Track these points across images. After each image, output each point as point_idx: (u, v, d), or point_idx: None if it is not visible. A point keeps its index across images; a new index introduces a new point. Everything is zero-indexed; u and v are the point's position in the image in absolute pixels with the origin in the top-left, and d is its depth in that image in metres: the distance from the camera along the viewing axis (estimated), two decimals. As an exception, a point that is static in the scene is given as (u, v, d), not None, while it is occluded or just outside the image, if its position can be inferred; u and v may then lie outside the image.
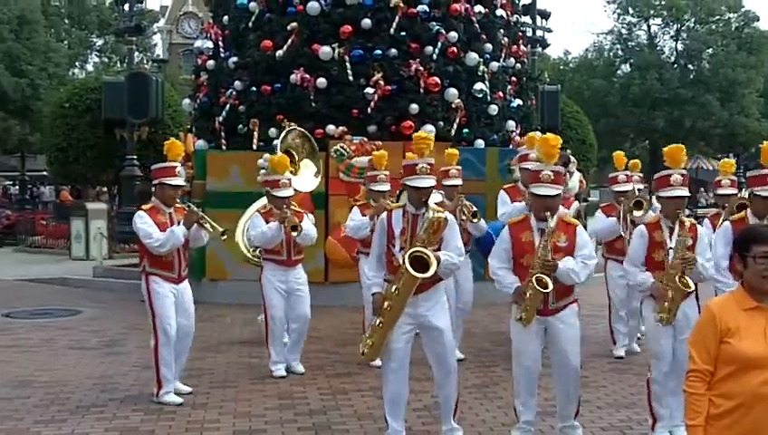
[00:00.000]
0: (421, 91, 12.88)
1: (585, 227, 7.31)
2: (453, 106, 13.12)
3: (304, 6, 13.04)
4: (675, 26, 44.33)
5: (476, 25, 13.67)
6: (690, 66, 43.87)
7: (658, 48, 44.90)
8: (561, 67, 48.01)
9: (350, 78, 12.80)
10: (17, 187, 40.95)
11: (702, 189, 38.44)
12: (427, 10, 13.13)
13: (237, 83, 13.43)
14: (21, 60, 33.81)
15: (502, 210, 8.44)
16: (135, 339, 9.78)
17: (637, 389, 7.14)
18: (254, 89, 13.21)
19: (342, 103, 12.75)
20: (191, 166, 12.44)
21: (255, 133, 12.87)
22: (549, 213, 5.60)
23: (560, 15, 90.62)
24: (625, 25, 45.15)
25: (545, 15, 24.39)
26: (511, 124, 14.14)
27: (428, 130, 11.37)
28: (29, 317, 11.76)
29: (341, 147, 12.23)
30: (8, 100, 33.34)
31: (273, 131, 12.64)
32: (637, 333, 9.29)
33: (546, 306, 5.66)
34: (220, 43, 14.14)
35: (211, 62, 14.20)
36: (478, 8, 13.76)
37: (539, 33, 24.23)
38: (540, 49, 25.34)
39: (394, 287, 5.66)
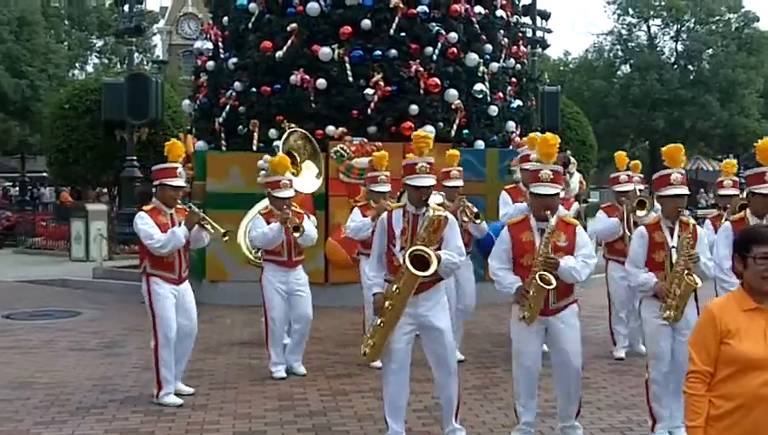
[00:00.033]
0: (421, 91, 12.89)
1: (585, 228, 7.31)
2: (453, 107, 13.12)
3: (304, 7, 13.05)
4: (675, 27, 44.34)
5: (476, 26, 13.67)
6: (690, 67, 43.88)
7: (658, 49, 44.91)
8: (561, 68, 48.01)
9: (350, 79, 12.80)
10: (17, 188, 41.02)
11: (702, 190, 38.47)
12: (427, 11, 13.14)
13: (237, 84, 13.43)
14: (21, 61, 33.85)
15: (504, 211, 8.44)
16: (135, 340, 9.78)
17: (637, 390, 7.13)
18: (253, 90, 13.22)
19: (342, 104, 12.75)
20: (191, 167, 12.44)
21: (255, 134, 12.87)
22: (549, 212, 5.61)
23: (560, 16, 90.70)
24: (625, 26, 45.16)
25: (545, 16, 24.41)
26: (511, 125, 14.15)
27: (428, 131, 11.35)
28: (29, 319, 11.76)
29: (341, 148, 12.23)
30: (8, 101, 33.37)
31: (272, 132, 12.66)
32: (640, 335, 9.27)
33: (547, 306, 5.66)
34: (220, 43, 14.15)
35: (211, 63, 14.21)
36: (478, 9, 13.76)
37: (539, 33, 24.25)
38: (540, 50, 25.36)
39: (395, 286, 5.66)
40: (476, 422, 6.54)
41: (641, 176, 9.70)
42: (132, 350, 9.37)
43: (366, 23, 12.90)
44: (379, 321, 5.75)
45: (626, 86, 42.65)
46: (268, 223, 7.96)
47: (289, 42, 13.04)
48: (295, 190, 8.36)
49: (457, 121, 13.13)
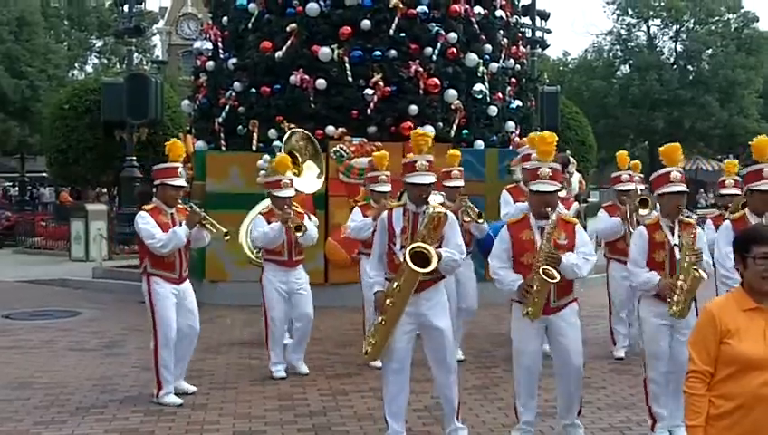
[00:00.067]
0: (421, 92, 12.89)
1: (585, 227, 7.31)
2: (452, 107, 13.13)
3: (304, 7, 13.05)
4: (674, 27, 44.36)
5: (476, 26, 13.68)
6: (689, 67, 43.90)
7: (658, 49, 44.93)
8: (561, 68, 48.01)
9: (350, 79, 12.81)
10: (17, 188, 41.01)
11: (701, 190, 38.48)
12: (427, 11, 13.14)
13: (237, 84, 13.43)
14: (20, 61, 33.86)
15: (505, 210, 8.44)
16: (135, 340, 9.79)
17: (636, 390, 7.14)
18: (253, 90, 13.22)
19: (342, 104, 12.76)
20: (191, 167, 12.44)
21: (255, 134, 12.88)
22: (549, 208, 5.62)
23: (559, 16, 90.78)
24: (624, 26, 45.19)
25: (545, 16, 24.42)
26: (510, 125, 14.15)
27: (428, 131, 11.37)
28: (29, 318, 11.76)
29: (341, 148, 12.23)
30: (8, 101, 33.38)
31: (272, 132, 12.67)
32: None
33: (547, 305, 5.66)
34: (219, 44, 14.15)
35: (210, 64, 14.21)
36: (478, 9, 13.76)
37: (538, 33, 24.27)
38: (539, 50, 25.37)
39: (395, 284, 5.66)
40: (476, 422, 6.55)
41: (641, 175, 9.71)
42: (132, 350, 9.38)
43: (365, 23, 12.90)
44: (380, 319, 5.75)
45: (625, 86, 42.67)
46: (269, 223, 7.97)
47: (288, 42, 13.04)
48: (297, 190, 8.36)
49: (457, 122, 13.14)
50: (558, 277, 5.50)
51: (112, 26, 34.62)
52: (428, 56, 13.04)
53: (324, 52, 12.83)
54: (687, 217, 6.18)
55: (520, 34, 15.89)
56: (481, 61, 13.53)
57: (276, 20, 13.34)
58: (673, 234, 5.89)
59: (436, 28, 13.14)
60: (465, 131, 13.24)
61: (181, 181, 7.32)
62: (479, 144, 13.34)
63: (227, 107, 13.50)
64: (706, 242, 6.19)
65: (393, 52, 12.89)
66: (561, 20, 48.88)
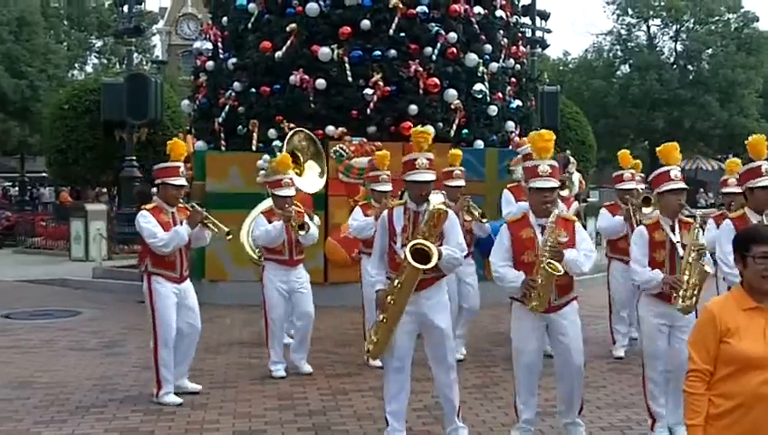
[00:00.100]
0: (420, 91, 12.89)
1: (585, 227, 7.31)
2: (452, 107, 13.13)
3: (303, 7, 13.05)
4: (674, 27, 44.35)
5: (476, 26, 13.68)
6: (689, 67, 43.89)
7: (658, 49, 44.93)
8: (561, 68, 48.01)
9: (350, 79, 12.81)
10: (17, 188, 41.01)
11: (701, 190, 38.49)
12: (427, 11, 13.14)
13: (236, 84, 13.43)
14: (20, 61, 33.86)
15: (507, 210, 8.45)
16: (134, 340, 9.79)
17: (636, 389, 7.14)
18: (253, 90, 13.22)
19: (342, 104, 12.76)
20: (190, 167, 12.44)
21: (255, 134, 12.88)
22: (549, 205, 5.62)
23: (559, 16, 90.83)
24: (624, 26, 45.18)
25: (545, 16, 24.42)
26: (510, 125, 14.16)
27: (427, 131, 11.37)
28: (29, 318, 11.76)
29: (341, 148, 12.23)
30: (8, 101, 33.38)
31: (272, 132, 12.68)
32: None
33: (549, 303, 5.65)
34: (219, 44, 14.15)
35: (210, 64, 14.21)
36: (478, 9, 13.76)
37: (538, 33, 24.27)
38: (539, 50, 25.38)
39: (396, 281, 5.67)
40: (476, 421, 6.55)
41: (642, 175, 9.71)
42: (132, 349, 9.38)
43: (365, 23, 12.91)
44: (381, 317, 5.76)
45: (625, 86, 42.66)
46: (270, 222, 7.98)
47: (288, 42, 13.04)
48: (298, 190, 8.38)
49: (457, 121, 13.14)
50: (562, 270, 5.50)
51: (112, 26, 34.60)
52: (428, 56, 13.04)
53: (324, 52, 12.84)
54: (688, 216, 6.19)
55: (520, 34, 15.90)
56: (481, 61, 13.53)
57: (276, 20, 13.34)
58: (674, 233, 5.89)
59: (436, 28, 13.14)
60: (465, 131, 13.24)
61: (182, 181, 7.32)
62: (479, 144, 13.35)
63: (227, 107, 13.50)
64: (707, 240, 6.20)
65: (393, 52, 12.89)
66: (561, 20, 49.03)
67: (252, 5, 13.56)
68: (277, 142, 12.31)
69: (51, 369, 8.47)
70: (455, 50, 13.22)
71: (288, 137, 9.91)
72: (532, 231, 5.72)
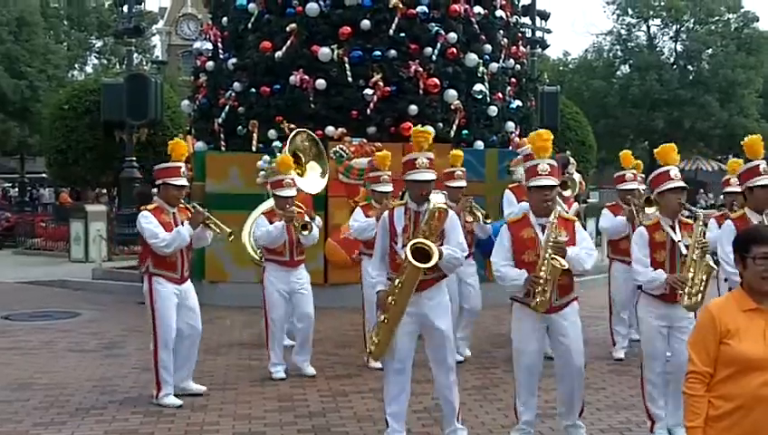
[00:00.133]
0: (420, 92, 12.89)
1: (584, 227, 7.30)
2: (452, 107, 13.12)
3: (303, 7, 13.04)
4: (674, 27, 44.34)
5: (476, 26, 13.67)
6: (689, 67, 43.88)
7: (658, 49, 44.92)
8: (561, 68, 48.01)
9: (350, 79, 12.80)
10: (17, 189, 41.02)
11: (701, 190, 38.49)
12: (427, 11, 13.13)
13: (236, 85, 13.43)
14: (20, 61, 33.87)
15: (508, 210, 8.44)
16: (134, 341, 9.79)
17: (636, 391, 7.12)
18: (253, 90, 13.21)
19: (341, 105, 12.75)
20: (190, 168, 12.43)
21: (255, 135, 12.87)
22: (549, 202, 5.61)
23: (559, 16, 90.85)
24: (624, 26, 45.17)
25: (545, 16, 24.42)
26: (510, 125, 14.15)
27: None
28: (28, 319, 11.75)
29: (341, 148, 12.22)
30: (7, 101, 33.39)
31: (272, 133, 12.67)
32: None
33: (550, 303, 5.63)
34: (219, 44, 14.14)
35: (210, 64, 14.20)
36: (478, 9, 13.76)
37: (538, 33, 24.27)
38: (539, 50, 25.38)
39: (397, 281, 5.67)
40: (476, 423, 6.54)
41: (643, 175, 9.70)
42: (132, 351, 9.37)
43: (365, 23, 12.90)
44: (382, 317, 5.76)
45: (625, 86, 42.66)
46: (271, 223, 7.98)
47: (288, 42, 13.03)
48: (300, 190, 8.38)
49: (457, 122, 13.13)
50: (566, 265, 5.49)
51: (112, 27, 34.62)
52: (428, 56, 13.03)
53: (324, 52, 12.83)
54: (688, 216, 6.18)
55: (520, 34, 15.89)
56: (481, 61, 13.52)
57: (276, 20, 13.34)
58: (675, 232, 5.88)
59: (436, 28, 13.13)
60: (465, 132, 13.23)
61: (183, 181, 7.31)
62: (479, 144, 13.34)
63: (227, 107, 13.49)
64: (709, 240, 6.19)
65: (393, 52, 12.89)
66: (561, 20, 49.04)
67: (252, 5, 13.56)
68: (277, 143, 12.31)
69: (50, 370, 8.46)
70: (455, 50, 13.21)
71: (291, 137, 9.89)
72: (532, 231, 5.71)
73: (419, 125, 7.16)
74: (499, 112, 13.80)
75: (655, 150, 6.27)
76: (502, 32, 14.36)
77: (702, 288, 5.69)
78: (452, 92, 13.08)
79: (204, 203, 11.39)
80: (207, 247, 9.31)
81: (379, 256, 5.98)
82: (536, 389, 5.94)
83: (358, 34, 12.93)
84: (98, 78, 29.56)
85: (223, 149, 13.46)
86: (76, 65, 43.47)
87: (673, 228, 5.91)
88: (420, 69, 12.87)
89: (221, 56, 14.00)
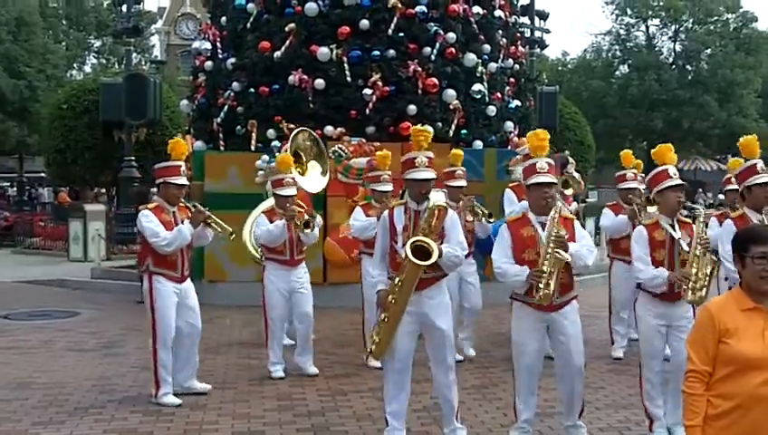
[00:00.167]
0: (419, 92, 12.89)
1: (584, 226, 7.31)
2: (451, 107, 13.13)
3: (302, 7, 13.05)
4: (673, 27, 44.39)
5: (475, 26, 13.68)
6: (688, 67, 43.92)
7: (657, 49, 44.95)
8: (560, 68, 48.03)
9: (349, 79, 12.80)
10: (15, 188, 40.98)
11: (701, 190, 38.50)
12: (426, 11, 13.14)
13: (235, 84, 13.43)
14: (19, 61, 33.86)
15: (509, 209, 8.44)
16: (133, 340, 9.78)
17: (635, 390, 7.11)
18: (252, 90, 13.21)
19: (340, 104, 12.75)
20: (189, 167, 12.42)
21: (254, 134, 12.87)
22: (549, 201, 5.62)
23: (558, 16, 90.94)
24: (623, 26, 45.20)
25: (543, 16, 24.43)
26: (509, 125, 14.15)
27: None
28: (27, 319, 11.75)
29: (340, 148, 12.21)
30: (6, 101, 33.38)
31: (271, 132, 12.68)
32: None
33: (550, 302, 5.63)
34: (218, 44, 14.14)
35: (209, 64, 14.20)
36: (476, 9, 13.76)
37: (537, 33, 24.28)
38: (538, 50, 25.38)
39: (397, 279, 5.68)
40: (475, 422, 6.54)
41: (643, 175, 9.71)
42: (131, 350, 9.37)
43: (364, 23, 12.90)
44: (383, 316, 5.76)
45: (624, 86, 42.69)
46: (271, 222, 7.98)
47: (287, 42, 13.03)
48: (300, 188, 8.39)
49: (456, 122, 13.14)
50: (569, 258, 5.49)
51: (111, 26, 34.57)
52: (427, 56, 13.04)
53: (323, 51, 12.83)
54: (686, 216, 6.19)
55: (519, 34, 15.88)
56: (480, 61, 13.52)
57: (275, 20, 13.34)
58: (675, 230, 5.89)
59: (435, 28, 13.13)
60: (464, 131, 13.24)
61: (184, 180, 7.30)
62: (478, 144, 13.34)
63: (226, 107, 13.49)
64: (710, 237, 6.20)
65: (392, 51, 12.89)
66: (559, 20, 49.07)
67: (251, 5, 13.56)
68: (276, 143, 12.32)
69: (49, 369, 8.46)
70: (453, 50, 13.21)
71: (292, 135, 9.89)
72: (532, 229, 5.70)
73: (418, 125, 7.19)
74: (498, 112, 13.80)
75: (652, 151, 6.28)
76: (501, 32, 14.36)
77: (706, 283, 5.70)
78: (451, 92, 13.08)
79: (203, 202, 11.41)
80: (206, 247, 9.30)
81: (379, 255, 5.99)
82: (536, 388, 5.94)
83: (357, 34, 12.94)
84: (97, 78, 29.49)
85: (222, 148, 13.47)
86: (75, 65, 43.43)
87: (672, 227, 5.91)
88: (419, 69, 12.87)
89: (220, 56, 14.00)
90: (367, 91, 12.69)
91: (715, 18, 43.54)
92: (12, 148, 37.14)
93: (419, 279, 5.67)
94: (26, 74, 33.78)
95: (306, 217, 8.09)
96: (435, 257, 5.56)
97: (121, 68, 36.41)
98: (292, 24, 13.04)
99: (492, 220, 8.64)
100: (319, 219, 8.53)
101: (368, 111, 12.68)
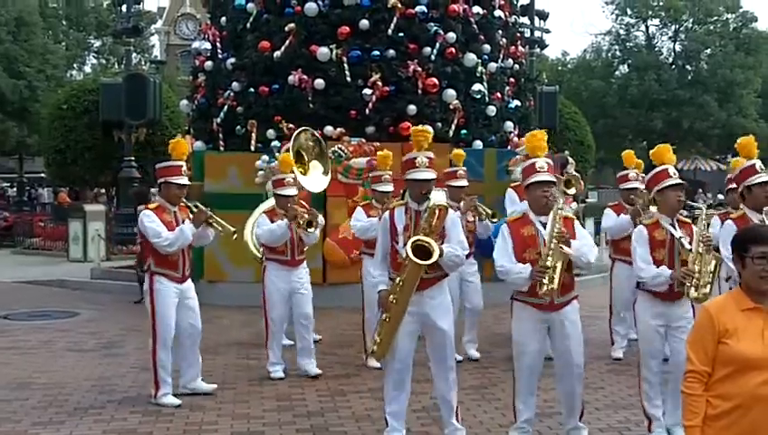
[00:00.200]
0: (419, 92, 12.89)
1: (583, 226, 7.30)
2: (451, 107, 13.12)
3: (302, 7, 13.04)
4: (673, 27, 44.42)
5: (475, 26, 13.68)
6: (688, 67, 43.94)
7: (656, 49, 44.98)
8: (560, 68, 48.05)
9: (348, 79, 12.80)
10: (15, 188, 40.97)
11: (700, 190, 38.50)
12: (425, 11, 13.13)
13: (235, 84, 13.42)
14: (19, 62, 33.86)
15: (511, 209, 8.43)
16: (133, 340, 9.78)
17: (634, 390, 7.10)
18: (251, 90, 13.21)
19: (340, 104, 12.75)
20: (189, 167, 12.41)
21: (253, 134, 12.87)
22: (549, 199, 5.61)
23: (558, 16, 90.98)
24: (623, 26, 45.23)
25: (543, 16, 24.43)
26: (509, 125, 14.15)
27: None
28: (27, 319, 11.74)
29: (339, 148, 12.21)
30: (6, 101, 33.38)
31: (270, 133, 12.68)
32: None
33: (551, 301, 5.62)
34: (218, 44, 14.14)
35: (209, 64, 14.19)
36: (476, 9, 13.76)
37: (537, 33, 24.28)
38: (538, 50, 25.38)
39: (398, 279, 5.67)
40: (474, 422, 6.54)
41: (643, 175, 9.70)
42: (130, 350, 9.37)
43: (364, 23, 12.90)
44: (384, 316, 5.76)
45: (624, 86, 42.72)
46: (272, 222, 7.97)
47: (287, 42, 13.03)
48: (301, 188, 8.39)
49: (456, 122, 13.13)
50: (572, 252, 5.48)
51: (111, 26, 34.58)
52: (427, 56, 13.03)
53: (323, 51, 12.83)
54: (686, 216, 6.19)
55: (518, 34, 15.88)
56: (479, 61, 13.52)
57: (275, 20, 13.33)
58: (675, 229, 5.89)
59: (435, 28, 13.13)
60: (464, 131, 13.23)
61: (185, 179, 7.29)
62: (478, 144, 13.34)
63: (226, 107, 13.49)
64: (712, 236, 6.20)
65: (391, 51, 12.88)
66: (559, 20, 49.07)
67: (250, 5, 13.55)
68: (276, 143, 12.32)
69: (49, 370, 8.45)
70: (453, 50, 13.21)
71: (295, 135, 9.88)
72: (533, 228, 5.67)
73: (418, 125, 7.19)
74: (498, 112, 13.80)
75: (651, 152, 6.28)
76: (500, 32, 14.36)
77: (710, 280, 5.69)
78: (451, 92, 13.08)
79: (202, 202, 11.41)
80: (206, 247, 9.30)
81: (380, 255, 5.98)
82: (536, 388, 5.94)
83: (356, 34, 12.93)
84: (96, 78, 29.52)
85: (221, 148, 13.46)
86: (75, 65, 43.44)
87: (672, 227, 5.91)
88: (419, 69, 12.87)
89: (220, 56, 13.99)
90: (367, 91, 12.68)
91: (715, 18, 43.58)
92: (12, 148, 37.16)
93: (420, 279, 5.67)
94: (26, 74, 33.79)
95: (308, 216, 8.09)
96: (435, 257, 5.55)
97: (121, 68, 36.40)
98: (292, 24, 13.03)
99: (495, 220, 8.64)
100: (321, 219, 8.53)
101: (367, 111, 12.68)
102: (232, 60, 13.66)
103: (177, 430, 6.44)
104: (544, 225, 5.63)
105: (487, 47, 13.79)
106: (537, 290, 5.48)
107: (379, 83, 12.67)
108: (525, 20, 22.29)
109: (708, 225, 6.18)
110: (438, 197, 6.23)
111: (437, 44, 13.09)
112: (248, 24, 13.59)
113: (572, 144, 23.46)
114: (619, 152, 9.68)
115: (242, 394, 7.48)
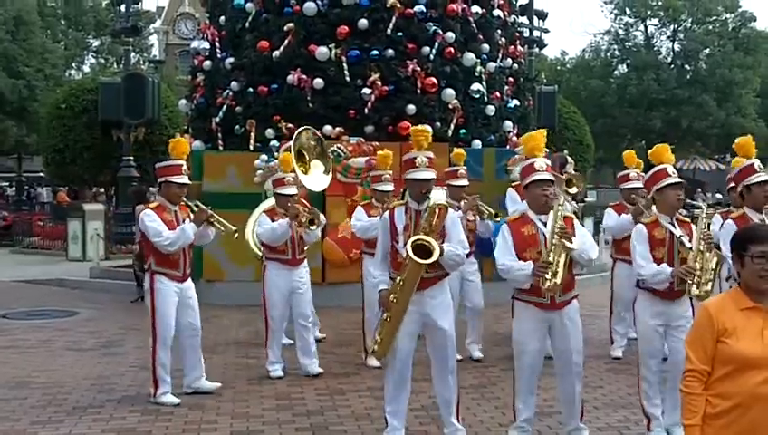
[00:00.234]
0: (418, 91, 12.89)
1: (582, 226, 7.31)
2: (450, 106, 13.13)
3: (301, 7, 13.05)
4: (672, 27, 44.43)
5: (473, 26, 13.68)
6: (687, 66, 43.95)
7: (655, 48, 44.99)
8: (558, 67, 48.05)
9: (347, 78, 12.81)
10: (14, 188, 40.98)
11: (699, 190, 38.51)
12: (424, 10, 13.14)
13: (234, 84, 13.42)
14: (17, 61, 33.87)
15: (512, 208, 8.43)
16: (132, 340, 9.79)
17: (633, 389, 7.11)
18: (250, 89, 13.21)
19: (339, 104, 12.75)
20: (188, 166, 12.40)
21: (252, 134, 12.87)
22: (549, 198, 5.60)
23: (557, 16, 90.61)
24: (622, 26, 45.25)
25: (542, 16, 24.42)
26: (508, 125, 14.16)
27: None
28: (26, 318, 11.74)
29: (338, 148, 12.20)
30: (5, 101, 33.38)
31: (269, 132, 12.68)
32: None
33: (552, 300, 5.62)
34: (217, 43, 14.14)
35: (208, 63, 14.20)
36: (475, 8, 13.76)
37: (536, 33, 24.27)
38: (537, 49, 25.37)
39: (399, 279, 5.67)
40: (474, 421, 6.54)
41: (643, 175, 9.68)
42: (129, 349, 9.37)
43: (363, 22, 12.90)
44: (385, 316, 5.76)
45: (623, 86, 42.73)
46: (272, 221, 7.97)
47: (286, 41, 13.03)
48: (302, 187, 8.40)
49: (454, 121, 13.14)
50: (575, 246, 5.47)
51: (109, 26, 34.58)
52: (426, 56, 13.04)
53: (321, 51, 12.83)
54: (686, 216, 6.19)
55: (517, 34, 15.89)
56: (478, 60, 13.53)
57: (273, 19, 13.33)
58: (675, 228, 5.89)
59: (434, 27, 13.13)
60: (463, 131, 13.24)
61: (185, 179, 7.29)
62: (477, 144, 13.34)
63: (224, 106, 13.49)
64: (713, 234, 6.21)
65: (390, 51, 12.89)
66: (558, 19, 49.04)
67: (249, 5, 13.55)
68: (275, 142, 12.31)
69: (48, 369, 8.45)
70: (452, 49, 13.21)
71: (296, 133, 9.88)
72: (533, 227, 5.66)
73: (417, 124, 7.20)
74: (497, 112, 13.81)
75: (649, 152, 6.29)
76: (499, 31, 14.37)
77: (711, 277, 5.70)
78: (450, 92, 13.08)
79: (201, 202, 11.40)
80: (205, 246, 9.29)
81: (380, 255, 5.98)
82: (536, 388, 5.94)
83: (355, 34, 12.94)
84: (95, 77, 29.52)
85: (220, 148, 13.46)
86: (73, 64, 43.44)
87: (672, 225, 5.91)
88: (418, 68, 12.88)
89: (218, 55, 14.00)
90: (365, 90, 12.69)
91: (714, 18, 43.59)
92: (10, 147, 37.16)
93: (421, 279, 5.67)
94: (25, 74, 33.79)
95: (309, 214, 8.09)
96: (436, 256, 5.55)
97: (120, 68, 36.39)
98: (291, 24, 13.04)
99: (498, 219, 8.63)
100: (322, 217, 8.52)
101: (366, 110, 12.68)
102: (231, 59, 13.66)
103: (176, 429, 6.43)
104: (544, 224, 5.62)
105: (486, 47, 13.80)
106: (540, 286, 5.45)
107: (378, 83, 12.68)
108: (524, 20, 22.30)
109: (709, 223, 6.18)
110: (438, 196, 6.22)
111: (436, 44, 13.09)
112: (247, 24, 13.60)
113: (571, 143, 23.46)
114: (618, 152, 9.72)
115: (241, 393, 7.48)
